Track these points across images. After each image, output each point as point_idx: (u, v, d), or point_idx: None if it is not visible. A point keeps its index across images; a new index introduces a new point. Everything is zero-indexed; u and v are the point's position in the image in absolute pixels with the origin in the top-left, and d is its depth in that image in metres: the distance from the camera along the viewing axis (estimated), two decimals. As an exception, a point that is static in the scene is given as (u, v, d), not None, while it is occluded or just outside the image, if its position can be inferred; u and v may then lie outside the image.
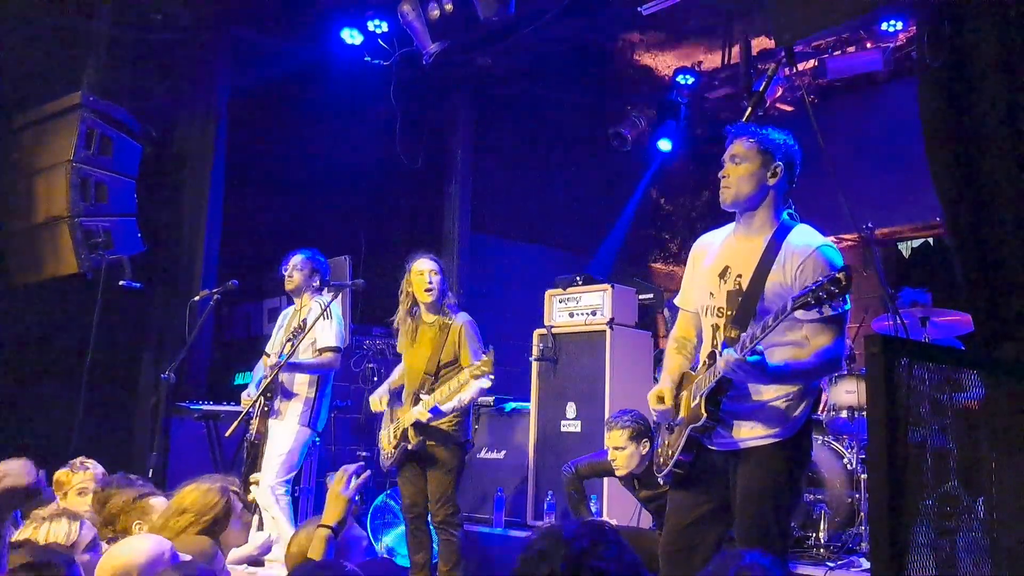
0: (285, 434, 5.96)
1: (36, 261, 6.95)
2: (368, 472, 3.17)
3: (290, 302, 6.57)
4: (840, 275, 3.02)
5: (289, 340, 5.91)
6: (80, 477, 4.48)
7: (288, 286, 6.30)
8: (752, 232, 3.58)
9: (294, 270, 6.24)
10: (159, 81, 7.85)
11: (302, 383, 6.07)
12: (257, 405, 5.92)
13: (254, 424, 5.96)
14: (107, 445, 6.71)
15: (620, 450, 5.19)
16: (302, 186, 9.05)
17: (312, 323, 5.93)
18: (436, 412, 5.40)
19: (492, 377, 5.31)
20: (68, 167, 6.68)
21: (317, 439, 6.30)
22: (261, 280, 9.08)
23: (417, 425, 5.45)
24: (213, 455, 6.73)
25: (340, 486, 3.05)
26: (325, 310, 5.97)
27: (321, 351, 6.04)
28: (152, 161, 7.43)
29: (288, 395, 6.03)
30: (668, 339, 3.93)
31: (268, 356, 6.29)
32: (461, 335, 5.58)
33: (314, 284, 6.27)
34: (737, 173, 3.52)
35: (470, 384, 5.39)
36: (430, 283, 5.64)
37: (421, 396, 5.49)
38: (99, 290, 6.89)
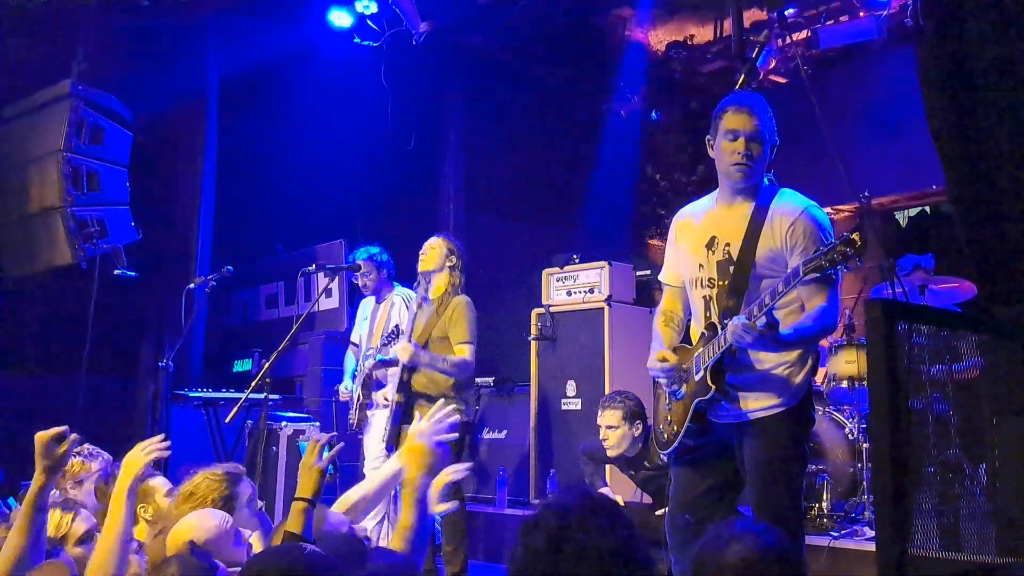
0: (381, 424, 6.02)
1: (30, 253, 6.91)
2: (341, 444, 3.15)
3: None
4: (855, 236, 2.98)
5: (386, 344, 5.97)
6: (96, 465, 4.43)
7: (364, 289, 6.34)
8: (737, 200, 3.53)
9: (363, 276, 6.23)
10: (148, 68, 7.80)
11: (394, 374, 6.09)
12: (356, 398, 6.09)
13: (353, 414, 6.11)
14: (108, 434, 6.69)
15: (613, 429, 5.20)
16: (295, 170, 9.03)
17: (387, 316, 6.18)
18: (416, 347, 5.51)
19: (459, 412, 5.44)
20: (59, 157, 6.63)
21: None
22: (257, 266, 9.06)
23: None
24: (214, 442, 6.73)
25: (312, 458, 3.03)
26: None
27: None
28: (144, 149, 7.38)
29: (382, 387, 6.12)
30: (656, 313, 3.90)
31: (356, 346, 6.37)
32: (457, 311, 5.62)
33: (383, 276, 6.27)
34: (757, 152, 3.44)
35: (450, 360, 5.50)
36: (424, 254, 5.79)
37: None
38: (95, 280, 6.87)
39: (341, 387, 6.30)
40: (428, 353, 5.54)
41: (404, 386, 5.59)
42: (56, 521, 3.28)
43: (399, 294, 6.22)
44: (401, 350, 5.53)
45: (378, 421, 6.08)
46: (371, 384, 6.13)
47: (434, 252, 5.75)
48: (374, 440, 6.03)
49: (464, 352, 5.60)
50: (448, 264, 5.73)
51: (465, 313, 5.64)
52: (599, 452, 5.57)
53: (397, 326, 6.05)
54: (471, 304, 5.73)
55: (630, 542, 1.97)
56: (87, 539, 3.28)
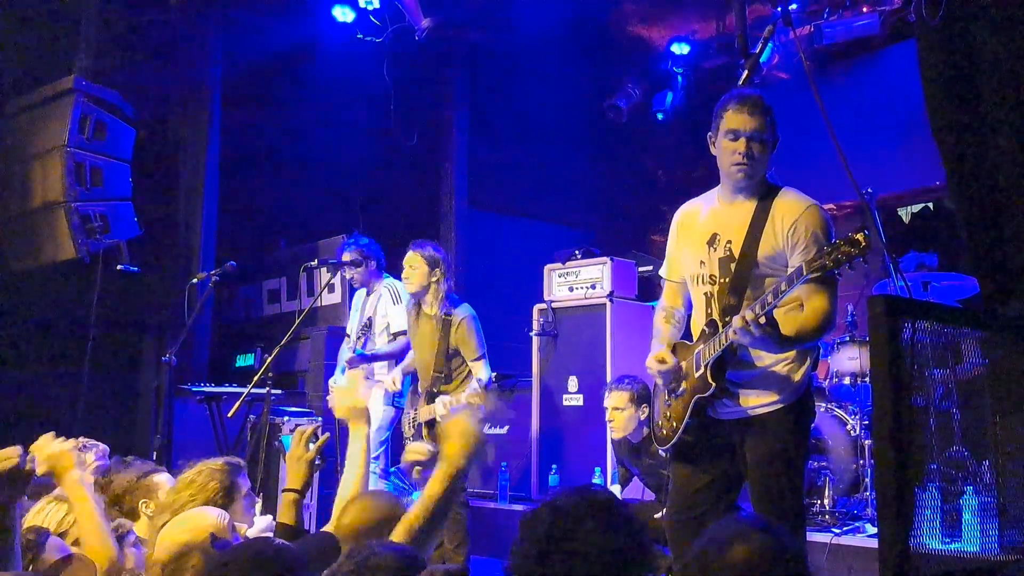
0: (375, 415, 5.93)
1: (33, 247, 6.92)
2: (327, 435, 3.16)
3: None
4: (859, 235, 2.98)
5: (359, 336, 6.04)
6: (91, 457, 4.43)
7: (352, 282, 6.36)
8: (739, 197, 3.52)
9: (350, 269, 6.23)
10: (151, 63, 7.79)
11: (382, 368, 6.19)
12: None
13: None
14: (110, 429, 6.71)
15: (619, 411, 5.21)
16: (298, 165, 9.02)
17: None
18: (453, 411, 5.46)
19: (484, 411, 5.40)
20: (63, 152, 6.64)
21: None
22: (259, 261, 9.06)
23: (431, 423, 5.54)
24: (216, 437, 6.73)
25: (300, 450, 3.03)
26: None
27: (396, 335, 6.12)
28: (146, 144, 7.38)
29: (370, 382, 6.08)
30: (656, 309, 3.89)
31: (349, 338, 6.41)
32: (462, 330, 5.62)
33: (371, 267, 6.26)
34: (758, 151, 3.42)
35: (473, 395, 5.46)
36: (406, 277, 5.70)
37: (435, 391, 5.58)
38: (97, 275, 6.87)
39: (331, 381, 6.28)
40: (456, 400, 5.47)
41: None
42: (59, 519, 3.28)
43: (387, 285, 6.21)
44: (440, 417, 5.47)
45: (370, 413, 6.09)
46: None
47: (416, 274, 5.66)
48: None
49: (479, 367, 5.63)
50: (433, 280, 5.66)
51: (471, 329, 5.65)
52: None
53: (370, 318, 6.09)
54: (474, 318, 5.72)
55: (627, 537, 1.96)
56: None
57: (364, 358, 6.06)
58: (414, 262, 5.69)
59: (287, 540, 2.71)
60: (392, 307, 6.15)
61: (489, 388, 5.51)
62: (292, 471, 3.03)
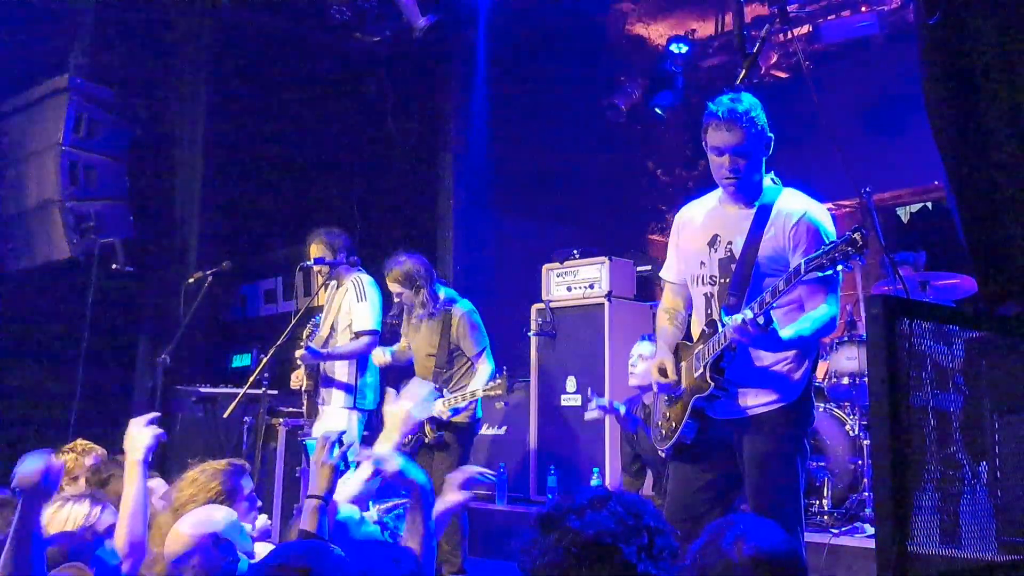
0: (335, 420, 5.72)
1: (28, 247, 6.91)
2: (354, 442, 3.17)
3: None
4: (856, 235, 3.01)
5: (309, 329, 5.84)
6: (89, 460, 4.44)
7: (321, 275, 6.15)
8: (740, 199, 3.55)
9: (321, 263, 6.01)
10: (146, 62, 7.78)
11: (342, 369, 5.87)
12: (303, 388, 5.89)
13: (305, 406, 5.94)
14: (105, 430, 6.68)
15: (643, 359, 5.37)
16: (295, 164, 8.99)
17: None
18: (455, 412, 5.45)
19: (504, 400, 5.35)
20: (57, 151, 6.63)
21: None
22: (256, 261, 9.03)
23: (433, 420, 5.42)
24: (213, 437, 6.70)
25: (323, 455, 3.03)
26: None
27: (358, 334, 5.82)
28: (142, 143, 7.36)
29: (329, 383, 5.86)
30: (658, 310, 3.90)
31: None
32: (462, 327, 5.58)
33: (340, 260, 5.99)
34: (743, 163, 3.45)
35: (476, 388, 5.44)
36: (401, 303, 5.69)
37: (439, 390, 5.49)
38: (92, 275, 6.85)
39: (294, 375, 6.00)
40: (458, 396, 5.45)
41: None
42: (86, 512, 3.34)
43: (353, 280, 5.93)
44: (439, 414, 5.38)
45: (329, 417, 5.79)
46: (319, 376, 5.87)
47: (404, 295, 5.63)
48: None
49: (483, 362, 5.59)
50: (416, 292, 5.62)
51: (470, 324, 5.61)
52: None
53: (315, 318, 5.96)
54: (473, 312, 5.68)
55: (629, 527, 1.94)
56: (109, 532, 3.33)
57: (318, 355, 5.74)
58: (394, 288, 5.65)
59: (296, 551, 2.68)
60: (356, 304, 5.82)
61: (498, 376, 5.40)
62: (315, 477, 3.03)
